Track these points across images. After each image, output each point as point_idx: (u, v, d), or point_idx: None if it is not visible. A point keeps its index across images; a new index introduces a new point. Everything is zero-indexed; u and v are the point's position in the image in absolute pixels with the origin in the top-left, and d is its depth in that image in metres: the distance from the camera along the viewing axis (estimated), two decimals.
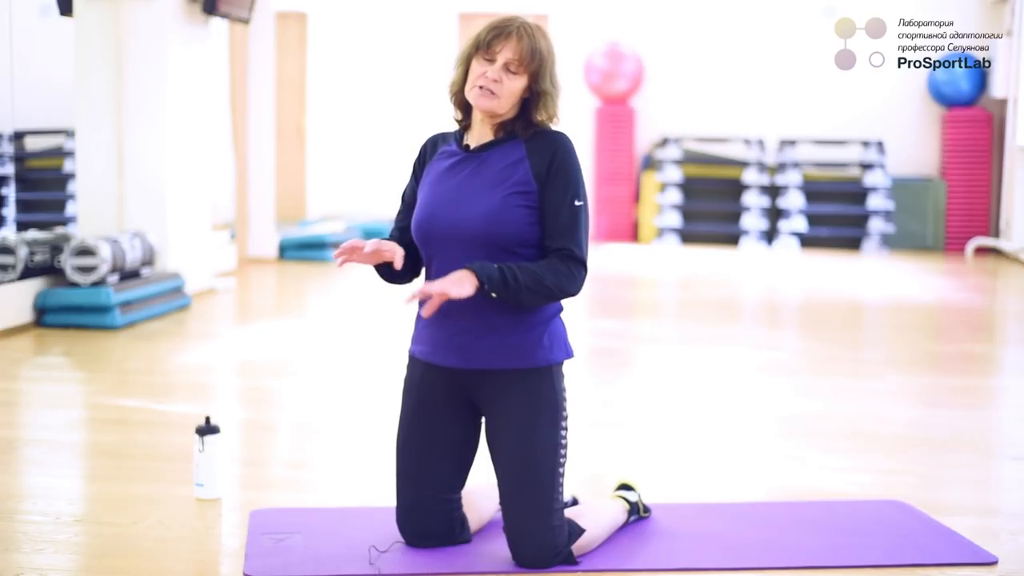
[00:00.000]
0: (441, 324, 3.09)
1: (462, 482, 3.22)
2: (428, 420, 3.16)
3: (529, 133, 3.06)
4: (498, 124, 3.08)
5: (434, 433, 3.16)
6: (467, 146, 3.11)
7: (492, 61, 3.00)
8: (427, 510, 3.17)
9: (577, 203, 3.03)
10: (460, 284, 2.92)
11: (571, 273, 3.02)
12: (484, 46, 3.01)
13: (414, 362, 3.20)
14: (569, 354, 3.13)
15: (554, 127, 3.09)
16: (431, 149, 3.20)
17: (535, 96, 3.03)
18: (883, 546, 3.28)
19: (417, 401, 3.18)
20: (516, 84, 3.01)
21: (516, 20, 3.03)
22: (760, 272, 10.55)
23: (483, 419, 3.17)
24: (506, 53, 2.99)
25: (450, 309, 3.05)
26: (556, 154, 3.03)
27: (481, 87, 3.00)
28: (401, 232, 3.24)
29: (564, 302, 3.14)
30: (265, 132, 10.24)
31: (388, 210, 12.11)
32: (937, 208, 12.13)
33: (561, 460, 3.09)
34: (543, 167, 3.02)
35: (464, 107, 3.12)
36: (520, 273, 2.96)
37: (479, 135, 3.11)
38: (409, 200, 3.23)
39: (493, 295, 2.94)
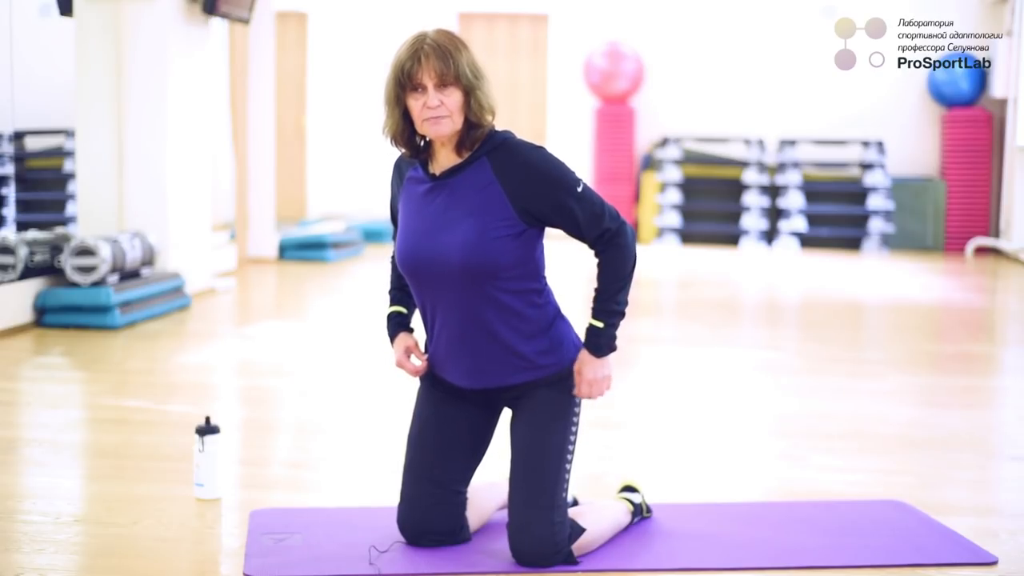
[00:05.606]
0: (447, 353, 3.11)
1: (470, 476, 3.22)
2: (444, 411, 3.18)
3: (489, 147, 3.01)
4: (456, 143, 3.02)
5: (449, 424, 3.17)
6: (433, 174, 3.07)
7: (424, 89, 2.95)
8: (432, 505, 3.16)
9: (579, 190, 3.02)
10: (604, 378, 3.10)
11: (622, 245, 3.05)
12: (406, 80, 2.96)
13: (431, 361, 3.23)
14: (579, 350, 3.14)
15: (496, 123, 3.04)
16: (399, 172, 3.16)
17: (467, 97, 2.97)
18: (883, 546, 3.28)
19: (433, 392, 3.20)
20: (455, 97, 2.95)
21: (420, 39, 2.98)
22: (760, 272, 10.55)
23: (503, 412, 3.23)
24: (429, 76, 2.94)
25: (451, 345, 3.08)
26: (528, 174, 2.98)
27: (429, 118, 2.96)
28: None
29: (559, 301, 3.18)
30: (265, 132, 10.24)
31: (388, 210, 12.09)
32: (937, 208, 12.13)
33: (568, 458, 3.10)
34: (520, 192, 2.98)
35: (414, 145, 3.06)
36: (615, 304, 3.05)
37: (442, 160, 3.05)
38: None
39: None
